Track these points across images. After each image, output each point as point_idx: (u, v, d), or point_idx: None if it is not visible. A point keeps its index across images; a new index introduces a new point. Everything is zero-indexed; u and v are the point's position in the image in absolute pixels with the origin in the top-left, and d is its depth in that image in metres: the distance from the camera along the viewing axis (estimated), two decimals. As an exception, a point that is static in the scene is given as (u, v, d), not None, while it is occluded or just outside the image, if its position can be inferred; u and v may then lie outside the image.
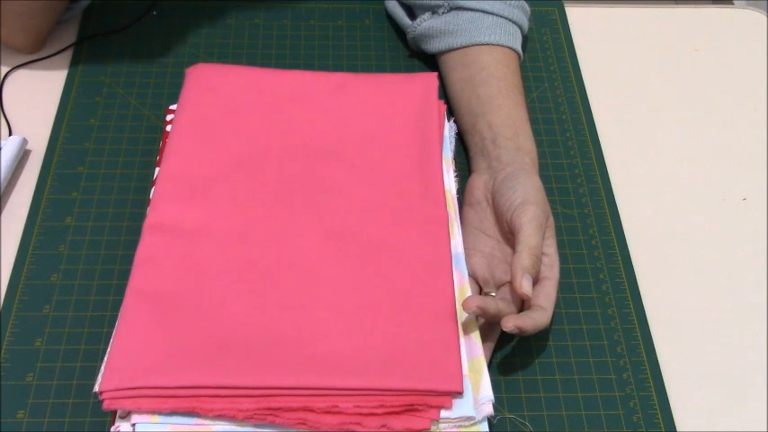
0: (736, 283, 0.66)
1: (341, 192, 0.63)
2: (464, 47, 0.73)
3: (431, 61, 0.78)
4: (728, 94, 0.80)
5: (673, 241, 0.69)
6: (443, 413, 0.52)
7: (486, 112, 0.67)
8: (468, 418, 0.52)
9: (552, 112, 0.76)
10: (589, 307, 0.64)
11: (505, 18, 0.73)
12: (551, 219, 0.61)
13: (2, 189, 0.66)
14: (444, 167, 0.65)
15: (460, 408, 0.52)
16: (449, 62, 0.74)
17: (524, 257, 0.56)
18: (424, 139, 0.66)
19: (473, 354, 0.55)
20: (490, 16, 0.73)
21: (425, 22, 0.75)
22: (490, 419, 0.54)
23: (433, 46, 0.76)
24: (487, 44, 0.72)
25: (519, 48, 0.73)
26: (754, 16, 0.88)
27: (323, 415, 0.51)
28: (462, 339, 0.55)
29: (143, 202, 0.67)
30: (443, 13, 0.75)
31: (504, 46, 0.72)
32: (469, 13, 0.73)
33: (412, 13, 0.79)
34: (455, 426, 0.52)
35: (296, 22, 0.82)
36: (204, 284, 0.57)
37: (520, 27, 0.75)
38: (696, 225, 0.70)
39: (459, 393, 0.52)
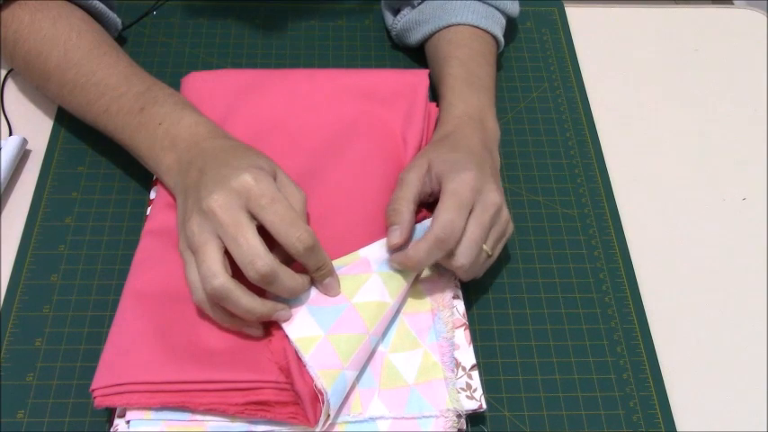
0: (736, 282, 0.66)
1: (333, 191, 0.63)
2: (434, 33, 0.74)
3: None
4: (728, 94, 0.80)
5: (673, 241, 0.69)
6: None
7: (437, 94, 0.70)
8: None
9: (552, 112, 0.76)
10: (589, 307, 0.64)
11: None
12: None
13: (2, 189, 0.66)
14: None
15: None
16: (426, 52, 0.76)
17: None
18: (408, 141, 0.67)
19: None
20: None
21: (404, 17, 0.76)
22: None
23: (412, 39, 0.76)
24: (452, 25, 0.72)
25: (488, 25, 0.73)
26: (754, 16, 0.88)
27: (311, 408, 0.52)
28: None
29: (143, 202, 0.67)
30: (419, 4, 0.75)
31: (468, 25, 0.72)
32: None
33: (398, 13, 0.79)
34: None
35: (296, 22, 0.82)
36: None
37: (496, 8, 0.74)
38: (696, 225, 0.70)
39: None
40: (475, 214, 0.57)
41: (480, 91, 0.68)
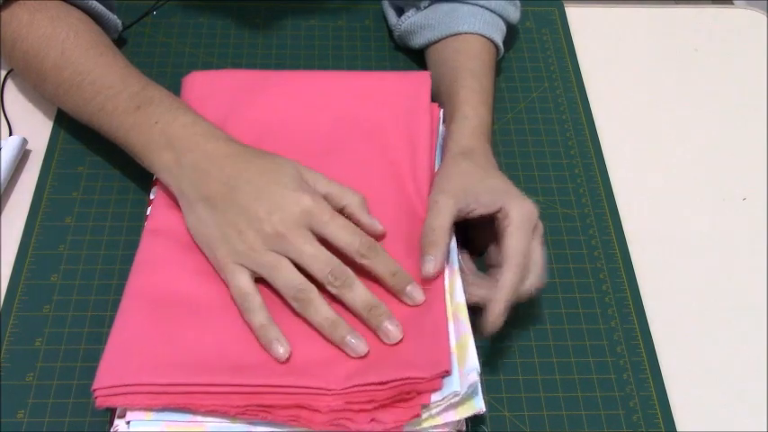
0: (736, 283, 0.66)
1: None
2: (440, 39, 0.73)
3: (431, 61, 0.78)
4: (728, 94, 0.80)
5: (673, 241, 0.69)
6: (433, 396, 0.52)
7: (444, 103, 0.70)
8: (455, 394, 0.51)
9: (552, 112, 0.76)
10: (589, 307, 0.64)
11: (483, 7, 0.73)
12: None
13: (2, 189, 0.66)
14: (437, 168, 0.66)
15: (448, 386, 0.52)
16: (429, 57, 0.75)
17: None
18: (412, 143, 0.66)
19: (460, 332, 0.55)
20: (466, 6, 0.73)
21: (408, 19, 0.76)
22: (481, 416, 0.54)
23: (415, 42, 0.76)
24: (461, 34, 0.72)
25: (495, 35, 0.73)
26: (754, 16, 0.88)
27: (314, 413, 0.52)
28: (451, 321, 0.56)
29: (143, 202, 0.67)
30: (425, 7, 0.75)
31: (477, 34, 0.72)
32: (447, 4, 0.74)
33: (402, 12, 0.79)
34: (445, 407, 0.52)
35: (296, 22, 0.82)
36: (200, 286, 0.58)
37: (501, 15, 0.74)
38: (696, 225, 0.70)
39: (448, 373, 0.52)
40: (536, 238, 0.59)
41: (489, 107, 0.69)
